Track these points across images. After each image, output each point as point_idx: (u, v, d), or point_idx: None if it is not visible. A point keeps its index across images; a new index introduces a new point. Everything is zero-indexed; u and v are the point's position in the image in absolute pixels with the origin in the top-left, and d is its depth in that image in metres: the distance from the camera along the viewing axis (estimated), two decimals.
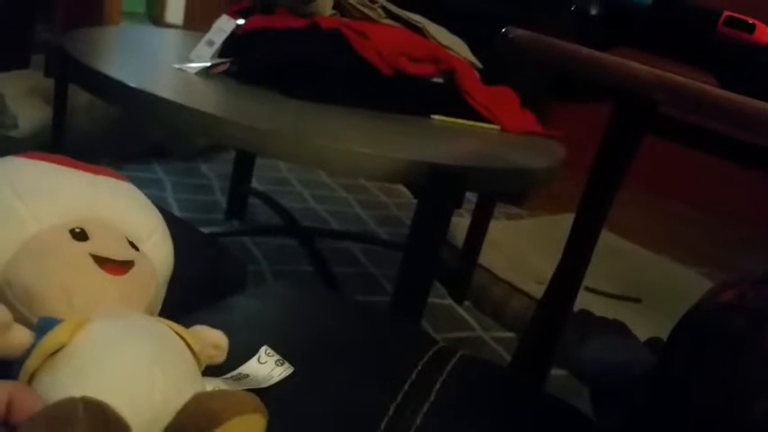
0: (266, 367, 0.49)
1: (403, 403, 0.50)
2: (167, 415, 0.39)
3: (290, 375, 0.50)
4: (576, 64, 0.57)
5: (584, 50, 0.57)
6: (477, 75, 1.30)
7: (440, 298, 1.70)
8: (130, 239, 0.49)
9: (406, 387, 0.51)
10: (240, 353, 0.50)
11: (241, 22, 1.17)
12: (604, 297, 1.76)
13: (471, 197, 1.75)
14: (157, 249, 0.52)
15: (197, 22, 3.21)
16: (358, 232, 2.02)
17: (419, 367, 0.54)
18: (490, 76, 1.34)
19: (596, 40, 0.66)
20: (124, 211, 0.51)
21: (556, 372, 1.30)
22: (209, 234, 1.72)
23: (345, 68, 1.10)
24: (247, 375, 0.48)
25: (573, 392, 1.26)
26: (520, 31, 0.59)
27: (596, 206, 1.01)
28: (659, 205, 2.45)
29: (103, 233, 0.47)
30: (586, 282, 1.16)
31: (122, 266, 0.45)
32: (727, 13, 0.63)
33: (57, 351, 0.39)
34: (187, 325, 0.49)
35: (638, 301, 1.81)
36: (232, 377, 0.48)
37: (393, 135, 1.05)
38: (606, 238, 1.14)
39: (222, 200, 1.98)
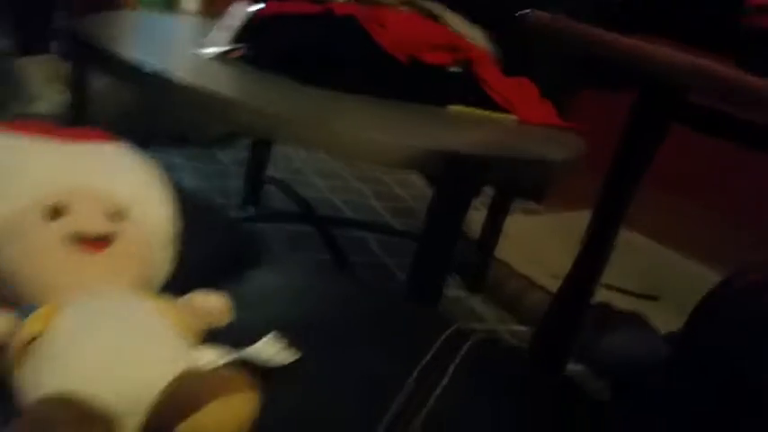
0: (271, 350, 0.49)
1: (416, 385, 0.49)
2: (148, 397, 0.38)
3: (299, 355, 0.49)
4: (599, 48, 0.55)
5: (609, 35, 0.56)
6: (495, 64, 1.28)
7: (454, 289, 1.69)
8: (115, 208, 0.47)
9: (419, 369, 0.51)
10: (257, 325, 0.50)
11: (256, 7, 1.16)
12: (621, 294, 1.74)
13: (488, 191, 1.74)
14: (149, 212, 0.50)
15: (214, 10, 3.22)
16: (373, 222, 2.01)
17: (433, 350, 0.53)
18: (509, 66, 1.32)
19: (616, 27, 0.64)
20: (106, 178, 0.49)
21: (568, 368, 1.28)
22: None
23: (360, 55, 1.09)
24: (250, 355, 0.48)
25: (586, 389, 1.25)
26: (541, 14, 0.58)
27: (617, 199, 0.99)
28: (678, 203, 2.42)
29: (82, 206, 0.45)
30: (603, 279, 1.14)
31: (101, 241, 0.44)
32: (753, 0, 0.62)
33: (33, 339, 0.38)
34: None
35: (655, 298, 1.79)
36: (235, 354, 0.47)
37: (409, 123, 1.03)
38: (623, 235, 1.12)
39: (238, 186, 1.98)
